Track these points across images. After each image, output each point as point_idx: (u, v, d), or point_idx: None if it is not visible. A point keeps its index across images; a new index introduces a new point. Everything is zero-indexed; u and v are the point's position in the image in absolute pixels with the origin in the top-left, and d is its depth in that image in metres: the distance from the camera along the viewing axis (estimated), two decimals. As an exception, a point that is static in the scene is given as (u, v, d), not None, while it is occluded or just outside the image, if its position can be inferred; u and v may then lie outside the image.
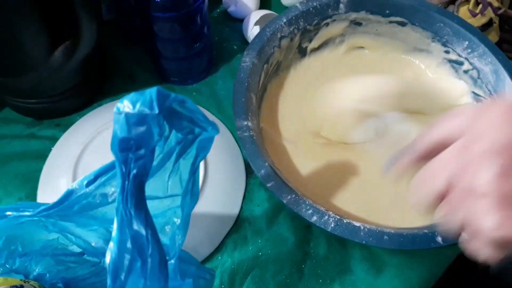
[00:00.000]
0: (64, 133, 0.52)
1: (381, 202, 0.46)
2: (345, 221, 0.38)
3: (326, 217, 0.39)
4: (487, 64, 0.49)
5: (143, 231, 0.21)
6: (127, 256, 0.20)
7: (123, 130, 0.21)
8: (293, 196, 0.39)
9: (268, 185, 0.40)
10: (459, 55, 0.51)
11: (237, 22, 0.62)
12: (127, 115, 0.21)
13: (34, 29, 0.44)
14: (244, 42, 0.61)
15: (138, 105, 0.21)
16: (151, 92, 0.21)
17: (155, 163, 0.25)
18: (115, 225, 0.20)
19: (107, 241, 0.28)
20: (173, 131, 0.24)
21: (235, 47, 0.61)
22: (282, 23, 0.50)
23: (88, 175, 0.25)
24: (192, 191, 0.26)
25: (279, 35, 0.49)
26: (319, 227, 0.38)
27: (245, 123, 0.43)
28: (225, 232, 0.47)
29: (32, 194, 0.48)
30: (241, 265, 0.45)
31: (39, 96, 0.50)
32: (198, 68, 0.56)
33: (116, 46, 0.60)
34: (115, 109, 0.21)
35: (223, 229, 0.47)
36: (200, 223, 0.46)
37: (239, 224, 0.48)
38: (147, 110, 0.21)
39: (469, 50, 0.50)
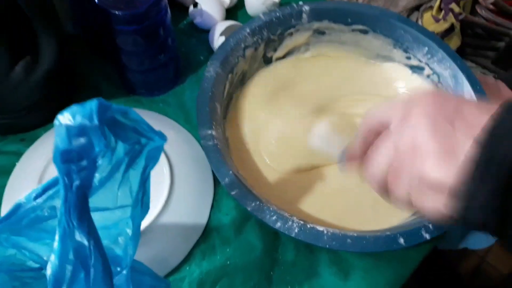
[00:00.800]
0: (29, 148, 0.52)
1: (347, 204, 0.47)
2: (308, 226, 0.39)
3: (290, 222, 0.39)
4: (446, 68, 0.50)
5: (85, 242, 0.21)
6: (69, 267, 0.20)
7: (63, 142, 0.21)
8: (257, 203, 0.40)
9: (232, 193, 0.40)
10: (420, 61, 0.53)
11: (204, 33, 0.63)
12: (68, 127, 0.21)
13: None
14: (210, 52, 0.61)
15: (78, 117, 0.21)
16: (91, 104, 0.21)
17: (104, 174, 0.26)
18: (56, 237, 0.20)
19: (60, 254, 0.28)
20: (120, 142, 0.25)
21: (202, 58, 0.61)
22: (246, 33, 0.50)
23: (36, 188, 0.25)
24: (142, 201, 0.26)
25: (243, 45, 0.50)
26: (283, 233, 0.39)
27: (209, 132, 0.43)
28: (193, 242, 0.47)
29: (-5, 211, 0.48)
30: (209, 275, 0.45)
31: (2, 112, 0.50)
32: (164, 79, 0.56)
33: (82, 61, 0.60)
34: (55, 121, 0.21)
35: (191, 239, 0.47)
36: (167, 234, 0.46)
37: (207, 234, 0.48)
38: (87, 122, 0.21)
39: (429, 56, 0.52)
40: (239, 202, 0.40)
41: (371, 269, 0.46)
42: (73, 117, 0.21)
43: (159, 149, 0.26)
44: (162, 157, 0.49)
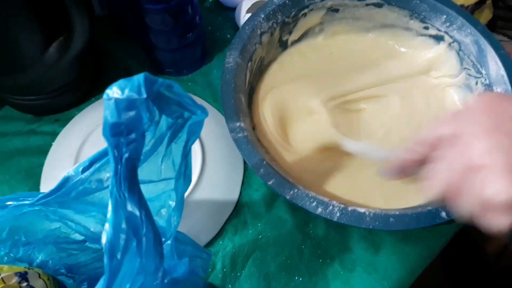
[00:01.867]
0: (64, 128, 0.53)
1: (373, 183, 0.47)
2: (349, 209, 0.39)
3: (331, 207, 0.39)
4: (467, 35, 0.49)
5: (137, 212, 0.22)
6: (123, 236, 0.21)
7: (113, 115, 0.21)
8: (296, 190, 0.40)
9: (269, 182, 0.40)
10: (439, 30, 0.51)
11: (229, 10, 0.63)
12: (117, 100, 0.21)
13: (28, 27, 0.44)
14: (237, 30, 0.61)
15: (126, 91, 0.21)
16: (139, 77, 0.22)
17: (147, 148, 0.26)
18: (109, 207, 0.21)
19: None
20: (164, 116, 0.25)
21: (229, 36, 0.61)
22: (261, 19, 0.49)
23: (83, 161, 0.26)
24: (185, 174, 0.27)
25: (259, 32, 0.49)
26: (325, 218, 0.39)
27: (238, 124, 0.43)
28: (225, 217, 0.48)
29: (35, 189, 0.49)
30: (242, 249, 0.46)
31: (37, 93, 0.51)
32: (192, 58, 0.57)
33: (111, 41, 0.61)
34: (104, 96, 0.22)
35: (223, 215, 0.48)
36: (200, 210, 0.47)
37: (238, 209, 0.49)
38: (135, 95, 0.21)
39: (448, 24, 0.50)
40: (277, 191, 0.40)
41: (402, 243, 0.47)
42: (122, 90, 0.21)
43: (200, 124, 0.27)
44: (193, 135, 0.50)
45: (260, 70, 0.53)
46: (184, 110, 0.25)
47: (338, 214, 0.39)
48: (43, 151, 0.52)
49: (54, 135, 0.53)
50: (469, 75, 0.50)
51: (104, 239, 0.21)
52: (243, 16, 0.58)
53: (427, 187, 0.32)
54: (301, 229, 0.47)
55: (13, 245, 0.30)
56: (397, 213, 0.39)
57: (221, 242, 0.47)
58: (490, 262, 1.08)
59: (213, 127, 0.53)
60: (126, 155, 0.22)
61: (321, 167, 0.48)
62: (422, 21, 0.52)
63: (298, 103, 0.51)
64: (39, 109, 0.54)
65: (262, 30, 0.50)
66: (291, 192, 0.40)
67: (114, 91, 0.22)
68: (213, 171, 0.49)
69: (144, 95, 0.21)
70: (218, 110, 0.55)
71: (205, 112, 0.26)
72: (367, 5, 0.53)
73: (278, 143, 0.48)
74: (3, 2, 0.41)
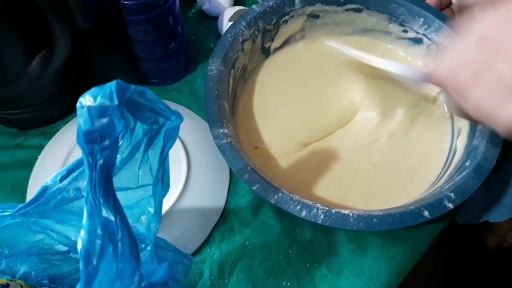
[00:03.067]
0: (49, 141, 0.53)
1: (355, 184, 0.48)
2: (333, 211, 0.39)
3: (315, 210, 0.39)
4: (445, 37, 0.50)
5: (112, 218, 0.22)
6: (98, 242, 0.21)
7: (86, 123, 0.22)
8: (280, 195, 0.40)
9: (254, 188, 0.40)
10: (417, 32, 0.52)
11: (212, 20, 0.64)
12: (89, 108, 0.22)
13: (9, 41, 0.45)
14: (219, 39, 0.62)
15: (99, 98, 0.22)
16: (111, 85, 0.22)
17: (124, 155, 0.27)
18: (85, 213, 0.22)
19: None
20: (139, 123, 0.25)
21: (212, 45, 0.62)
22: (242, 27, 0.50)
23: (61, 170, 0.26)
24: (162, 180, 0.27)
25: (240, 39, 0.50)
26: (310, 221, 0.39)
27: (221, 130, 0.43)
28: (212, 224, 0.48)
29: (21, 202, 0.49)
30: (229, 256, 0.46)
31: (21, 107, 0.51)
32: (176, 68, 0.57)
33: (95, 53, 0.61)
34: (78, 104, 0.22)
35: (210, 222, 0.48)
36: (187, 218, 0.47)
37: (225, 216, 0.49)
38: (107, 102, 0.22)
39: (426, 26, 0.51)
40: (261, 196, 0.40)
41: (388, 245, 0.47)
42: (94, 98, 0.22)
43: (176, 129, 0.27)
44: (178, 144, 0.50)
45: (244, 78, 0.53)
46: (158, 116, 0.25)
47: (322, 217, 0.39)
48: (29, 165, 0.52)
49: (40, 148, 0.53)
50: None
51: (79, 246, 0.21)
52: (226, 25, 0.58)
53: (435, 66, 0.30)
54: (288, 234, 0.47)
55: (-5, 257, 0.30)
56: (381, 213, 0.39)
57: (208, 250, 0.47)
58: (486, 261, 1.09)
59: (199, 134, 0.53)
60: (101, 161, 0.22)
61: (303, 169, 0.48)
62: (401, 24, 0.53)
63: (280, 109, 0.52)
64: (24, 122, 0.54)
65: (244, 38, 0.50)
66: (275, 197, 0.40)
67: (86, 99, 0.22)
68: (199, 179, 0.49)
69: (116, 102, 0.22)
70: (203, 118, 0.55)
71: (179, 117, 0.26)
72: (346, 10, 0.54)
73: (264, 146, 0.49)
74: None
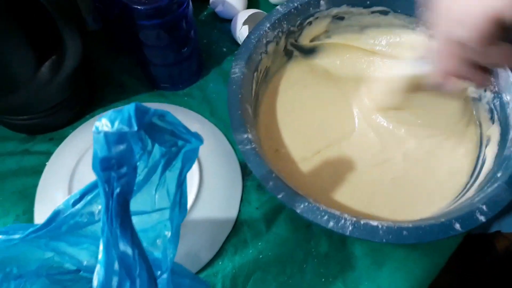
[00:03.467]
0: (58, 147, 0.52)
1: (380, 193, 0.46)
2: (362, 222, 0.37)
3: (343, 221, 0.37)
4: None
5: (129, 251, 0.20)
6: (115, 278, 0.20)
7: (103, 149, 0.20)
8: (306, 204, 0.38)
9: (279, 196, 0.39)
10: None
11: (225, 23, 0.62)
12: (106, 134, 0.20)
13: (19, 47, 0.44)
14: (233, 43, 0.60)
15: (116, 123, 0.20)
16: (129, 109, 0.21)
17: (140, 177, 0.25)
18: (101, 247, 0.20)
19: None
20: (156, 145, 0.24)
21: (224, 49, 0.60)
22: (266, 28, 0.49)
23: (74, 194, 0.25)
24: (180, 203, 0.26)
25: (264, 41, 0.48)
26: (337, 232, 0.37)
27: (245, 136, 0.42)
28: (224, 236, 0.47)
29: (29, 210, 0.48)
30: (242, 269, 0.45)
31: (30, 112, 0.50)
32: (188, 73, 0.56)
33: (104, 56, 0.60)
34: (93, 129, 0.21)
35: (222, 234, 0.47)
36: (198, 229, 0.46)
37: (238, 228, 0.47)
38: (126, 128, 0.20)
39: None
40: (286, 205, 0.38)
41: (405, 259, 0.46)
42: (112, 123, 0.20)
43: (196, 151, 0.25)
44: (190, 152, 0.49)
45: (266, 81, 0.52)
46: (177, 139, 0.24)
47: (350, 228, 0.37)
48: (37, 171, 0.50)
49: (48, 154, 0.52)
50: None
51: (95, 282, 0.20)
52: (239, 29, 0.57)
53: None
54: (302, 247, 0.46)
55: (4, 278, 0.29)
56: (410, 225, 0.38)
57: (220, 263, 0.45)
58: (496, 269, 1.07)
59: (211, 142, 0.52)
60: (117, 190, 0.21)
61: (322, 175, 0.47)
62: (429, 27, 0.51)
63: (300, 113, 0.51)
64: (33, 128, 0.53)
65: (267, 40, 0.49)
66: (301, 206, 0.38)
67: (103, 124, 0.21)
68: (211, 188, 0.48)
69: (135, 128, 0.20)
70: (215, 125, 0.54)
71: (199, 139, 0.25)
72: (372, 12, 0.52)
73: (277, 153, 0.48)
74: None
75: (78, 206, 0.25)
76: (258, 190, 0.49)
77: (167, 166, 0.25)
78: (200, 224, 0.46)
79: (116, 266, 0.20)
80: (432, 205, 0.45)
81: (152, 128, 0.22)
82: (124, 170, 0.21)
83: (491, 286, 1.00)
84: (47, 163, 0.51)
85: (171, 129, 0.23)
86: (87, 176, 0.48)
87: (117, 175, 0.21)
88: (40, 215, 0.48)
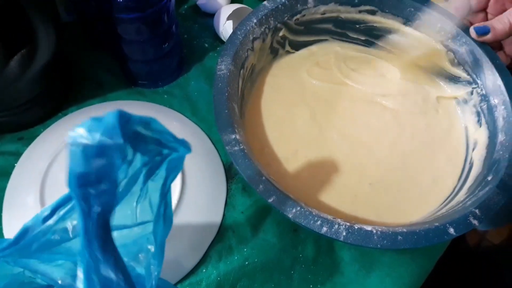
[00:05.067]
0: (28, 147, 0.48)
1: (366, 195, 0.45)
2: (356, 227, 0.36)
3: (336, 226, 0.36)
4: (462, 45, 0.48)
5: (113, 276, 0.18)
6: (97, 309, 0.18)
7: (80, 164, 0.18)
8: (298, 209, 0.37)
9: (270, 200, 0.37)
10: (434, 38, 0.50)
11: (207, 17, 0.59)
12: (85, 147, 0.18)
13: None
14: (215, 38, 0.58)
15: (97, 135, 0.18)
16: (112, 117, 0.18)
17: (119, 189, 0.23)
18: (80, 274, 0.18)
19: (75, 277, 0.25)
20: (138, 154, 0.22)
21: (206, 45, 0.58)
22: (253, 24, 0.46)
23: (45, 208, 0.22)
24: (164, 216, 0.24)
25: (251, 37, 0.46)
26: (331, 237, 0.36)
27: (233, 136, 0.39)
28: (208, 242, 0.45)
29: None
30: (227, 277, 0.43)
31: (-2, 110, 0.46)
32: (168, 70, 0.53)
33: (80, 51, 0.56)
34: (68, 139, 0.18)
35: (206, 239, 0.45)
36: (181, 234, 0.44)
37: (222, 233, 0.45)
38: (108, 140, 0.18)
39: (442, 33, 0.49)
40: (278, 210, 0.37)
41: (394, 264, 0.45)
42: (91, 134, 0.18)
43: (181, 159, 0.23)
44: (172, 154, 0.46)
45: (251, 78, 0.50)
46: (163, 148, 0.21)
47: (344, 233, 0.36)
48: (5, 173, 0.47)
49: (17, 155, 0.48)
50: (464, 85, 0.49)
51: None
52: (223, 24, 0.54)
53: None
54: (289, 253, 0.44)
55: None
56: (405, 230, 0.37)
57: (204, 270, 0.43)
58: (472, 250, 1.10)
59: (193, 143, 0.48)
60: (97, 209, 0.18)
61: (309, 176, 0.46)
62: (416, 29, 0.50)
63: (286, 112, 0.49)
64: (0, 127, 0.49)
65: (254, 36, 0.47)
66: (293, 211, 0.37)
67: (81, 135, 0.18)
68: (194, 192, 0.46)
69: (120, 140, 0.18)
70: (197, 124, 0.52)
71: (188, 148, 0.22)
72: (360, 12, 0.51)
73: (273, 152, 0.46)
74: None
75: (50, 222, 0.22)
76: (243, 194, 0.47)
77: (149, 175, 0.23)
78: (183, 230, 0.44)
79: (97, 295, 0.18)
80: (420, 208, 0.45)
81: (135, 137, 0.20)
82: (103, 186, 0.18)
83: (462, 281, 1.02)
84: (16, 164, 0.48)
85: (157, 138, 0.21)
86: (60, 179, 0.45)
87: (95, 191, 0.18)
88: (9, 221, 0.44)
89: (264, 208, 0.47)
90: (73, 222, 0.22)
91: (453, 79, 0.50)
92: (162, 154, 0.22)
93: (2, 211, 0.45)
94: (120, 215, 0.24)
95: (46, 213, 0.22)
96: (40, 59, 0.43)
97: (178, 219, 0.44)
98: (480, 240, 1.13)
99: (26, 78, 0.44)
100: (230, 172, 0.49)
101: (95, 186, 0.18)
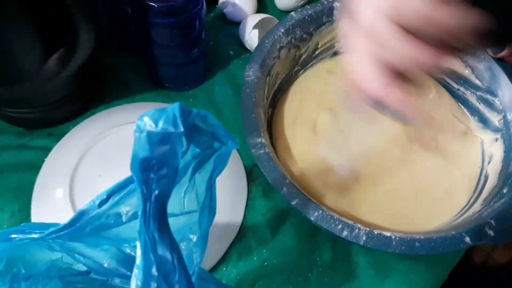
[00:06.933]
0: (58, 143, 0.50)
1: (383, 203, 0.46)
2: (375, 233, 0.38)
3: (357, 230, 0.38)
4: (480, 61, 0.49)
5: (168, 256, 0.20)
6: (154, 284, 0.19)
7: (144, 150, 0.20)
8: (320, 212, 0.38)
9: (293, 202, 0.38)
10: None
11: (232, 26, 0.61)
12: (150, 133, 0.19)
13: (28, 37, 0.42)
14: (240, 46, 0.60)
15: (161, 123, 0.20)
16: (174, 108, 0.20)
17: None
18: (138, 251, 0.19)
19: (119, 261, 0.27)
20: (191, 146, 0.23)
21: (231, 52, 0.60)
22: (280, 33, 0.49)
23: (101, 194, 0.24)
24: (209, 207, 0.25)
25: (278, 46, 0.49)
26: (351, 241, 0.37)
27: (259, 140, 0.41)
28: (229, 242, 0.46)
29: (25, 208, 0.46)
30: (246, 276, 0.44)
31: (32, 106, 0.48)
32: (195, 74, 0.55)
33: (107, 53, 0.58)
34: (135, 127, 0.20)
35: (227, 239, 0.46)
36: (202, 234, 0.45)
37: (242, 234, 0.47)
38: (171, 128, 0.19)
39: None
40: (300, 212, 0.38)
41: (409, 271, 0.46)
42: (155, 122, 0.19)
43: (228, 154, 0.25)
44: (197, 155, 0.48)
45: (275, 86, 0.52)
46: (215, 141, 0.23)
47: (364, 238, 0.37)
48: (35, 167, 0.48)
49: (47, 150, 0.50)
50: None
51: (133, 286, 0.19)
52: (249, 33, 0.56)
53: None
54: (307, 257, 0.46)
55: (13, 279, 0.28)
56: (422, 237, 0.38)
57: (224, 269, 0.45)
58: (477, 268, 1.09)
59: (216, 146, 0.51)
60: (156, 192, 0.20)
61: (324, 181, 0.47)
62: None
63: (306, 119, 0.50)
64: (32, 122, 0.51)
65: (281, 45, 0.49)
66: (316, 214, 0.38)
67: (146, 123, 0.20)
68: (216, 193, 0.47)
69: (181, 128, 0.19)
70: (221, 128, 0.53)
71: (235, 143, 0.24)
72: None
73: (295, 158, 0.47)
74: (1, 9, 0.38)
75: (105, 207, 0.24)
76: (264, 196, 0.49)
77: (197, 168, 0.25)
78: (204, 229, 0.45)
79: (154, 271, 0.19)
80: (435, 218, 0.46)
81: (193, 129, 0.21)
82: (164, 171, 0.20)
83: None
84: (45, 159, 0.49)
85: (211, 131, 0.22)
86: (90, 174, 0.47)
87: (156, 176, 0.20)
88: (38, 213, 0.46)
89: (283, 211, 0.48)
90: (126, 208, 0.24)
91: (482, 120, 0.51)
92: (213, 147, 0.24)
93: (32, 202, 0.46)
94: (169, 204, 0.25)
95: (102, 198, 0.23)
96: (78, 58, 0.45)
97: (201, 218, 0.45)
98: (486, 258, 1.13)
99: (63, 76, 0.46)
100: (251, 175, 0.50)
101: (156, 171, 0.20)
